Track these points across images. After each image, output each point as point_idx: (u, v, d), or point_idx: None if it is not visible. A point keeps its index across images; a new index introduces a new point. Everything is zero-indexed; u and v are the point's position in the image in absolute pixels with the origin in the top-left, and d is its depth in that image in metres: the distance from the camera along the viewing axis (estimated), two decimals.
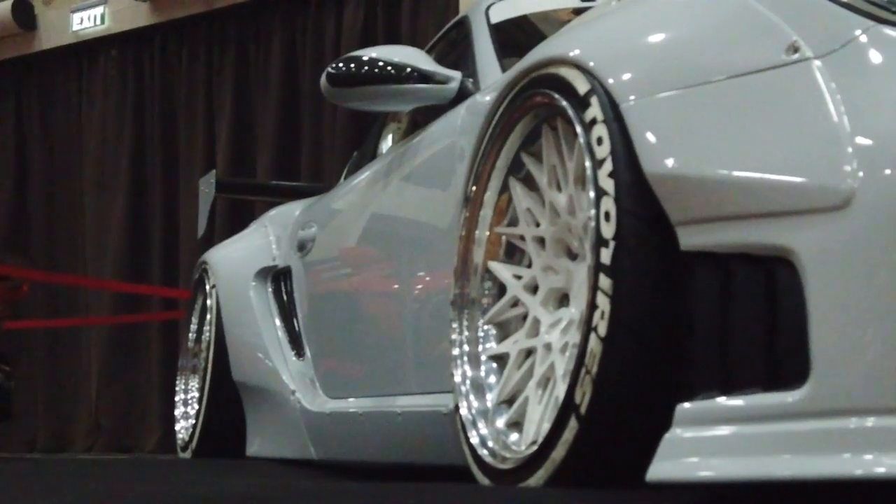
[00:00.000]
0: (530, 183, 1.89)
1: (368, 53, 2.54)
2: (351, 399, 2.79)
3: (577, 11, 2.67)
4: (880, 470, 1.22)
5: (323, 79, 2.58)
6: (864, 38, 1.34)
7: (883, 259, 1.24)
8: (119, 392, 6.65)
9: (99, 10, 7.04)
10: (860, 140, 1.28)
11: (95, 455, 6.34)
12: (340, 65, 2.54)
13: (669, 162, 1.46)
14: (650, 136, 1.50)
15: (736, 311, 1.40)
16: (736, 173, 1.38)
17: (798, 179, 1.32)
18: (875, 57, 1.33)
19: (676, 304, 1.48)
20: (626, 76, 1.58)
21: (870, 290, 1.25)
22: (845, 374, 1.26)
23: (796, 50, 1.38)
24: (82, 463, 3.96)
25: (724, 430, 1.38)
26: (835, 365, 1.27)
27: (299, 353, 3.22)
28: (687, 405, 1.43)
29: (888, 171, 1.25)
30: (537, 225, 1.86)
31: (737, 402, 1.38)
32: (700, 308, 1.45)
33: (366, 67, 2.50)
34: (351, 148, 4.89)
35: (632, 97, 1.55)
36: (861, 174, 1.27)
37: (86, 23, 7.10)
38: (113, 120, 6.98)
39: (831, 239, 1.28)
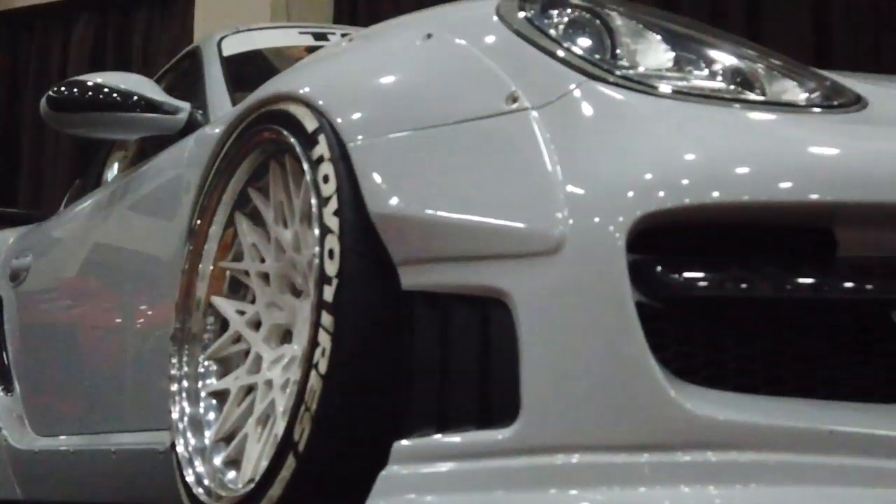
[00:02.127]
0: (257, 218, 1.87)
1: (93, 79, 2.46)
2: (62, 437, 2.66)
3: (310, 49, 2.69)
4: None
5: (43, 102, 2.48)
6: (577, 93, 1.41)
7: (588, 302, 1.30)
8: None
9: None
10: (571, 188, 1.35)
11: None
12: (63, 89, 2.45)
13: (392, 202, 1.49)
14: (375, 176, 1.52)
15: (453, 350, 1.43)
16: (454, 216, 1.42)
17: (513, 224, 1.37)
18: (587, 110, 1.40)
19: (397, 342, 1.50)
20: (355, 116, 1.60)
21: (576, 333, 1.31)
22: (552, 413, 1.31)
23: (515, 100, 1.44)
24: None
25: (440, 467, 1.40)
26: (542, 403, 1.32)
27: (7, 388, 3.06)
28: (404, 442, 1.45)
29: (596, 219, 1.32)
30: (262, 261, 1.85)
31: (453, 438, 1.41)
32: (419, 347, 1.47)
33: (90, 93, 2.42)
34: (73, 175, 4.72)
35: (360, 137, 1.57)
36: (571, 221, 1.33)
37: None
38: None
39: (543, 282, 1.33)
